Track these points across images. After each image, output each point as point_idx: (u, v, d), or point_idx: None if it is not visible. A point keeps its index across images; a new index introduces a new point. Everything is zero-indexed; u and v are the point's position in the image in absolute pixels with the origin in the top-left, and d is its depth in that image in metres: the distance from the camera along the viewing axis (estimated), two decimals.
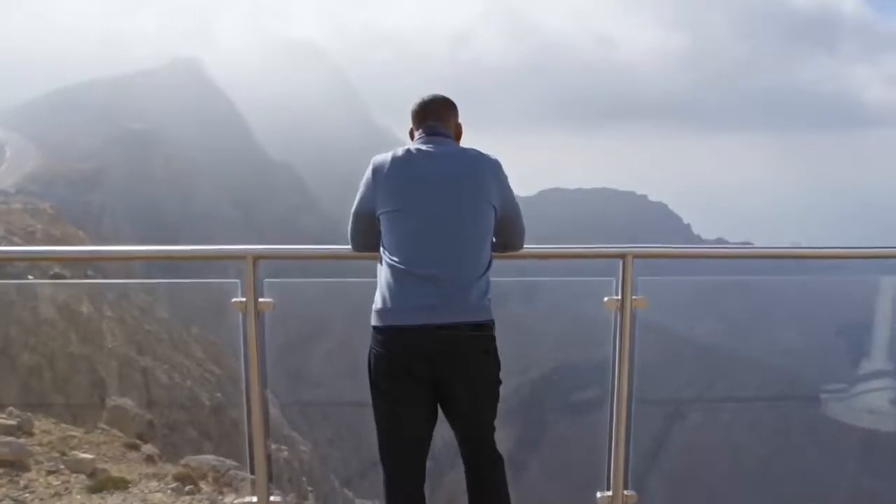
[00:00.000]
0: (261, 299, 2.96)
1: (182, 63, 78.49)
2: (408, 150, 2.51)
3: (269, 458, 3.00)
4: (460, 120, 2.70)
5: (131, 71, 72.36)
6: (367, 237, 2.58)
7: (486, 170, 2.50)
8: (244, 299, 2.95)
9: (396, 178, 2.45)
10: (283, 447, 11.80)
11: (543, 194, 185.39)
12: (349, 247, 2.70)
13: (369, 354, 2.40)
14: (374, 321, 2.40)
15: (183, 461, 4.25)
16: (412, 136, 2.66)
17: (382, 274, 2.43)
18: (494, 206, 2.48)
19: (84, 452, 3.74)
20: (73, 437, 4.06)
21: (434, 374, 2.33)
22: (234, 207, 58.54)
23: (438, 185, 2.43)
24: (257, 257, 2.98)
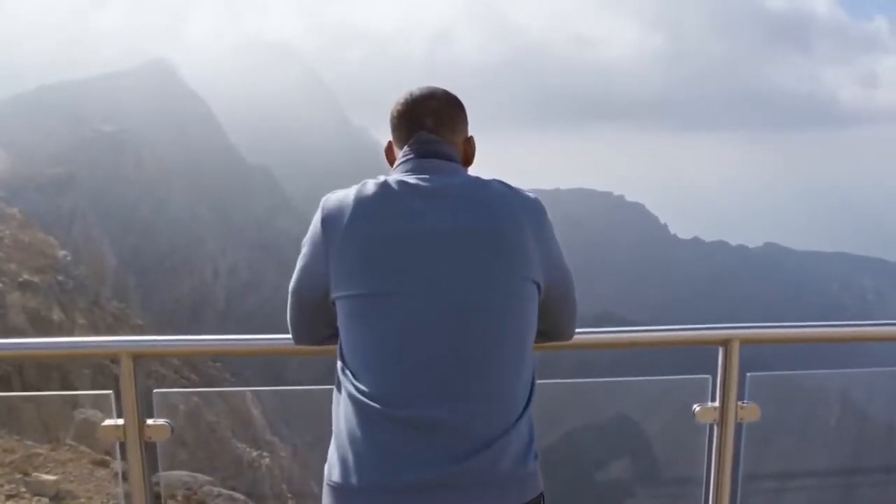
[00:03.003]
0: (149, 421, 1.98)
1: (154, 64, 77.31)
2: (385, 185, 1.46)
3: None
4: (471, 130, 1.64)
5: (100, 72, 71.11)
6: (316, 327, 1.58)
7: (524, 219, 1.46)
8: (119, 422, 1.96)
9: (366, 236, 1.41)
10: (265, 454, 11.61)
11: None
12: (287, 337, 1.67)
13: None
14: (326, 501, 1.39)
15: (153, 478, 4.10)
16: (391, 158, 1.62)
17: (341, 412, 1.39)
18: (538, 283, 1.45)
19: (48, 472, 3.52)
20: (38, 454, 3.84)
21: None
22: (209, 210, 57.79)
23: (442, 248, 1.39)
24: (137, 355, 1.97)
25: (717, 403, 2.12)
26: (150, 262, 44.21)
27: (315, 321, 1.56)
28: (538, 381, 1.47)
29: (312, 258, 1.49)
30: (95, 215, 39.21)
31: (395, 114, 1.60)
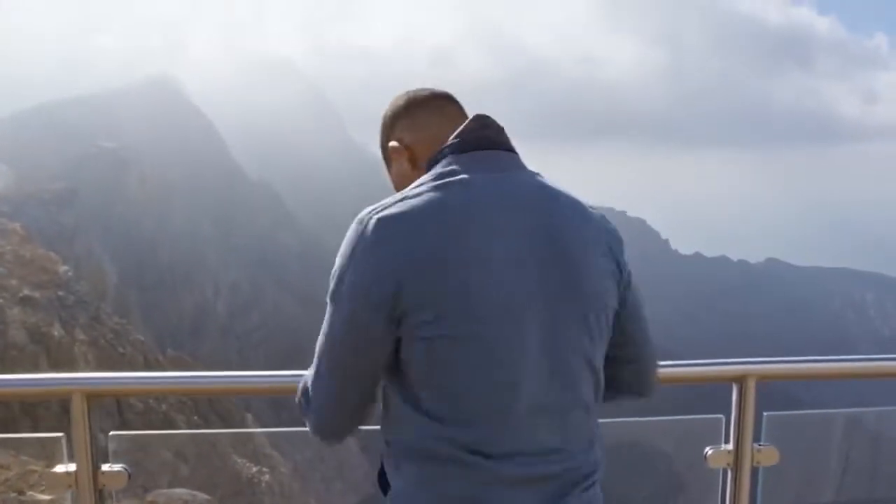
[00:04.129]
0: (104, 467, 1.80)
1: (156, 81, 77.90)
2: (462, 182, 1.17)
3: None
4: None
5: (103, 89, 71.63)
6: (357, 409, 1.22)
7: (605, 237, 1.26)
8: (71, 468, 1.78)
9: (451, 256, 1.11)
10: (264, 469, 11.49)
11: None
12: (254, 375, 1.71)
13: None
14: None
15: (150, 497, 4.01)
16: (408, 161, 1.32)
17: (410, 472, 1.16)
18: (613, 314, 1.27)
19: (43, 491, 3.44)
20: (34, 471, 3.76)
21: None
22: (212, 226, 57.91)
23: (533, 267, 1.15)
24: (91, 394, 1.80)
25: (730, 446, 1.94)
26: (151, 277, 44.20)
27: (362, 390, 1.19)
28: None
29: (361, 296, 1.12)
30: (97, 231, 39.27)
31: (411, 99, 1.34)
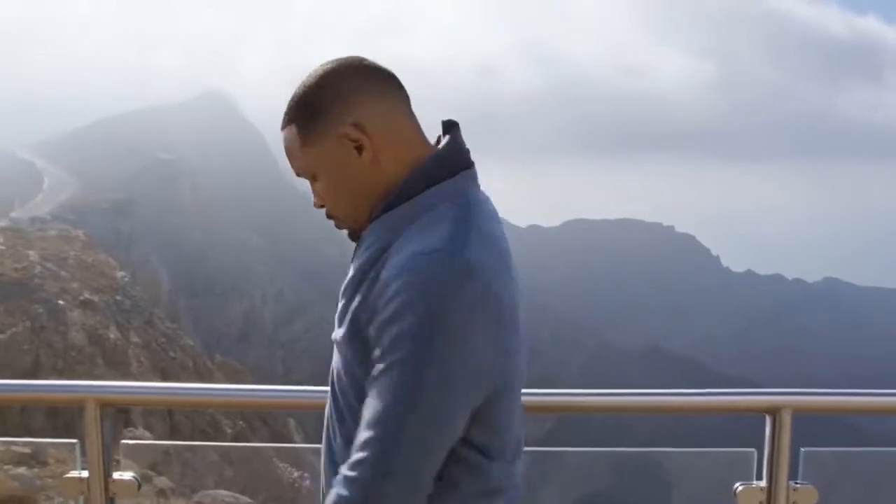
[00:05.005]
0: (115, 475, 1.81)
1: (210, 96, 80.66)
2: (497, 229, 1.13)
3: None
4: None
5: (161, 104, 74.57)
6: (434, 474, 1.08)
7: None
8: (83, 474, 1.80)
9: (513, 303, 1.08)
10: (305, 475, 11.69)
11: (567, 225, 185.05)
12: (272, 389, 1.67)
13: None
14: None
15: (196, 497, 4.14)
16: (359, 170, 1.12)
17: None
18: None
19: (55, 497, 3.60)
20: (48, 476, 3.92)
21: None
22: (259, 236, 59.36)
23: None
24: (105, 402, 1.81)
25: (763, 483, 1.78)
26: (201, 285, 45.52)
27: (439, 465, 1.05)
28: (559, 448, 1.39)
29: (478, 355, 1.00)
30: (152, 239, 40.77)
31: (370, 71, 1.11)
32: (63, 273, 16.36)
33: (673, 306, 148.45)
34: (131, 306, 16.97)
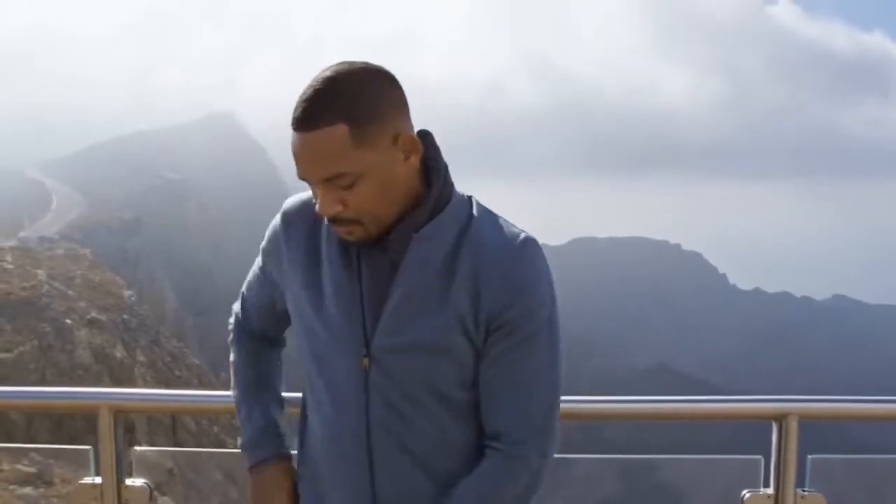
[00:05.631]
0: (127, 482, 1.84)
1: (217, 115, 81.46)
2: None
3: None
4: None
5: (168, 124, 75.35)
6: None
7: None
8: (98, 480, 1.83)
9: None
10: None
11: (574, 243, 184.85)
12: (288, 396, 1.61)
13: None
14: None
15: None
16: (403, 176, 1.17)
17: None
18: None
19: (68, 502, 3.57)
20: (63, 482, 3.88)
21: None
22: None
23: None
24: (118, 409, 1.84)
25: (770, 490, 1.78)
26: (207, 304, 45.59)
27: None
28: (567, 455, 1.52)
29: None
30: (159, 258, 40.96)
31: (389, 72, 1.16)
32: (70, 292, 16.43)
33: (680, 324, 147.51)
34: (138, 325, 17.00)
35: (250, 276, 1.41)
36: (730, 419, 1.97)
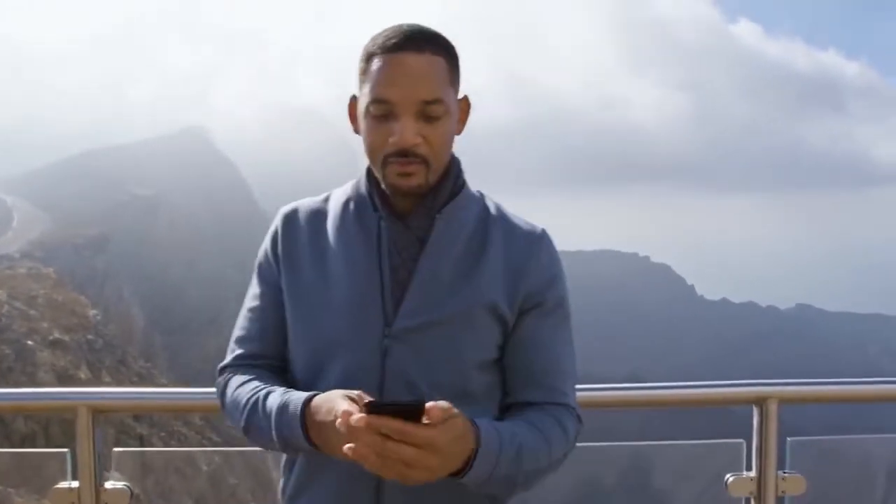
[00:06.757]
0: (107, 485, 1.78)
1: (187, 131, 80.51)
2: None
3: None
4: None
5: (137, 139, 74.23)
6: None
7: None
8: (74, 485, 1.76)
9: None
10: None
11: None
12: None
13: None
14: None
15: None
16: (452, 135, 1.22)
17: None
18: None
19: None
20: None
21: None
22: (237, 272, 58.75)
23: None
24: (97, 409, 1.78)
25: (753, 473, 1.81)
26: (177, 322, 44.77)
27: None
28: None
29: None
30: (127, 276, 40.13)
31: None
32: (32, 312, 15.99)
33: (650, 334, 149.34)
34: (103, 345, 16.61)
35: (246, 313, 1.29)
36: (710, 404, 2.00)
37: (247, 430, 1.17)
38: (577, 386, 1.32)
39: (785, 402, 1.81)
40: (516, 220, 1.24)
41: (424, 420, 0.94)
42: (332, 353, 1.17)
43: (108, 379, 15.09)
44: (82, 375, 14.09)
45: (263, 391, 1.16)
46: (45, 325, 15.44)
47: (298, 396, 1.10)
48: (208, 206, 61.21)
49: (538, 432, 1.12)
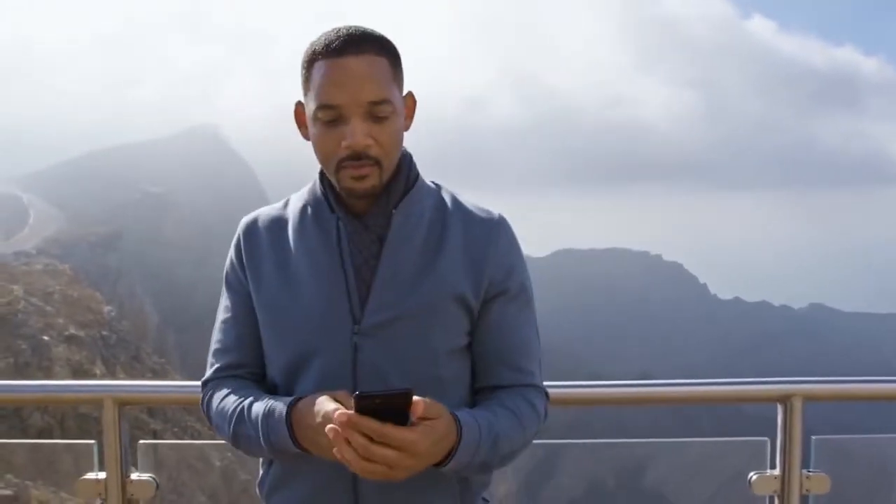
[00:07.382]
0: (133, 476, 1.80)
1: (198, 129, 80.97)
2: None
3: None
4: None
5: (149, 138, 74.75)
6: None
7: None
8: (101, 476, 1.78)
9: None
10: None
11: (556, 255, 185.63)
12: None
13: None
14: None
15: None
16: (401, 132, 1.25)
17: None
18: None
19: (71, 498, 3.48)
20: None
21: None
22: None
23: None
24: (123, 401, 1.80)
25: (777, 471, 1.79)
26: (189, 319, 45.06)
27: None
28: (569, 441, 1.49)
29: None
30: (139, 272, 40.46)
31: None
32: (48, 308, 16.17)
33: (662, 334, 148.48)
34: (118, 341, 16.77)
35: (220, 325, 1.31)
36: (735, 402, 1.98)
37: (235, 440, 1.21)
38: (600, 383, 1.34)
39: (810, 399, 1.79)
40: (473, 209, 1.25)
41: (412, 410, 0.99)
42: (305, 356, 1.19)
43: (122, 374, 15.23)
44: (97, 371, 14.24)
45: (248, 400, 1.19)
46: (60, 320, 15.62)
47: (283, 401, 1.14)
48: (219, 204, 61.53)
49: (513, 416, 1.17)
